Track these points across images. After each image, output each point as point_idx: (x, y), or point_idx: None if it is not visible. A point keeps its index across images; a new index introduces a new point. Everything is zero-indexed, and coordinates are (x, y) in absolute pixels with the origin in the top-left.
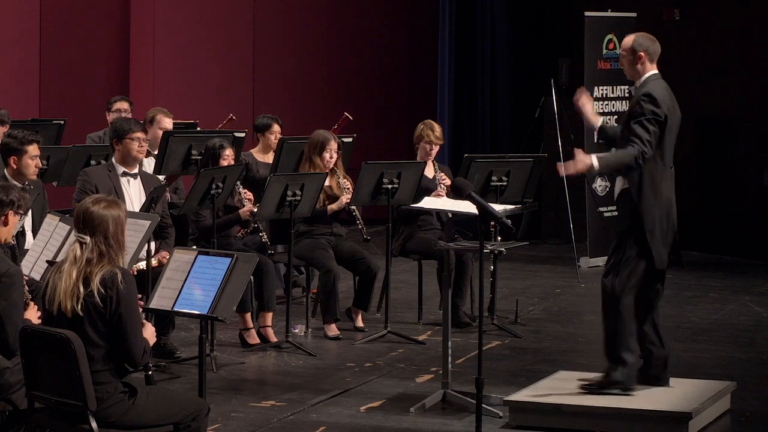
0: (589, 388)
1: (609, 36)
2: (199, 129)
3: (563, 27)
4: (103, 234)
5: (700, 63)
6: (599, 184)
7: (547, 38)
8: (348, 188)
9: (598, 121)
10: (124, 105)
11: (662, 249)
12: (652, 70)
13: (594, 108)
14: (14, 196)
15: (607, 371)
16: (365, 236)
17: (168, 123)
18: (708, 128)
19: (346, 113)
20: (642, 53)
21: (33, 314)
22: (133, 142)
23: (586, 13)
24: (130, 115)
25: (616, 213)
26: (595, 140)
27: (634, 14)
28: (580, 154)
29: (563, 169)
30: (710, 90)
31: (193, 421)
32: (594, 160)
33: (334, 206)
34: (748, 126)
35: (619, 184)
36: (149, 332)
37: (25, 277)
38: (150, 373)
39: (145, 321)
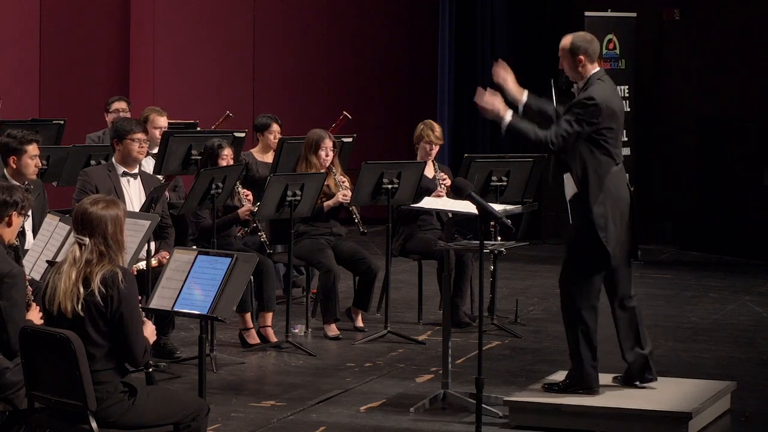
0: (552, 389)
1: (609, 36)
2: (199, 129)
3: (563, 27)
4: (102, 235)
5: (700, 63)
6: None
7: (547, 38)
8: (346, 186)
9: (524, 95)
10: (122, 105)
11: (617, 246)
12: (594, 70)
13: (515, 81)
14: (18, 197)
15: (569, 372)
16: (362, 230)
17: (162, 122)
18: (708, 128)
19: (344, 112)
20: (581, 56)
21: (35, 315)
22: (133, 143)
23: (586, 13)
24: (128, 115)
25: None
26: (504, 125)
27: (634, 14)
28: (497, 100)
29: (479, 98)
30: (710, 90)
31: (193, 421)
32: (508, 114)
33: (329, 202)
34: (748, 126)
35: (568, 190)
36: (149, 330)
37: (27, 278)
38: (150, 371)
39: (145, 319)
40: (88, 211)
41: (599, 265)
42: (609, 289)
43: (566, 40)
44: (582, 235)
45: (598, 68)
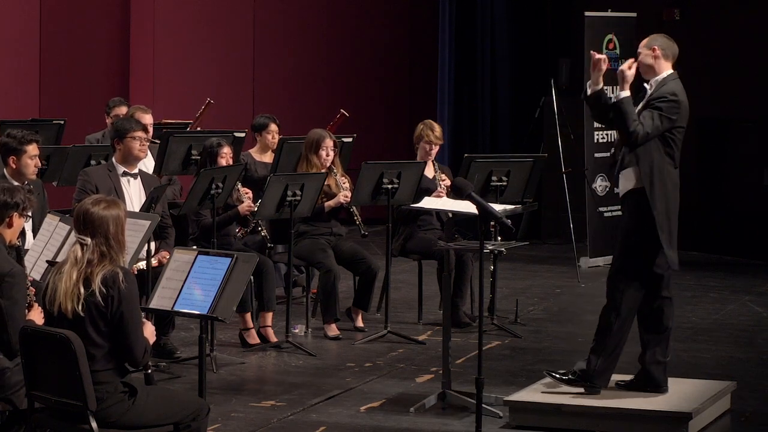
0: (557, 377)
1: (609, 36)
2: (199, 129)
3: (563, 27)
4: (103, 235)
5: (700, 63)
6: (599, 184)
7: (547, 38)
8: (346, 186)
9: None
10: (122, 110)
11: (672, 251)
12: (669, 70)
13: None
14: (19, 198)
15: (581, 363)
16: (363, 232)
17: (147, 119)
18: (708, 128)
19: (342, 110)
20: (656, 47)
21: (36, 315)
22: (134, 141)
23: (586, 13)
24: None
25: (617, 213)
26: (619, 97)
27: (634, 14)
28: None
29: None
30: (710, 90)
31: (193, 421)
32: (626, 92)
33: (331, 203)
34: (748, 126)
35: (624, 183)
36: (149, 331)
37: (29, 278)
38: (150, 372)
39: (144, 320)
40: (89, 211)
41: (655, 264)
42: (649, 289)
43: (646, 38)
44: (638, 234)
45: (673, 71)
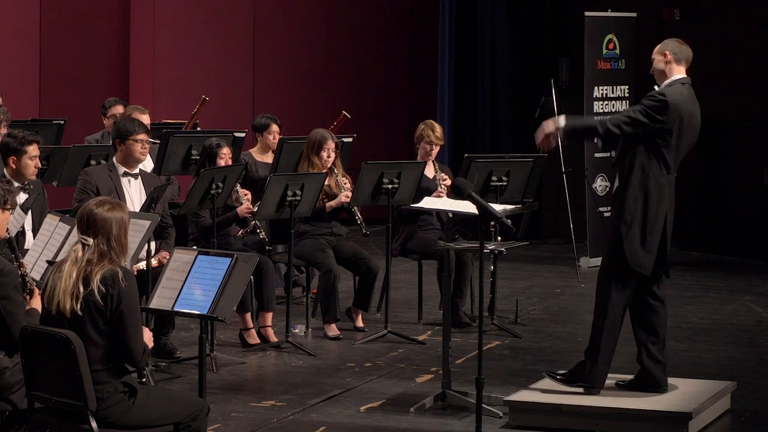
0: (558, 378)
1: (609, 36)
2: (199, 129)
3: (563, 27)
4: (106, 236)
5: (699, 63)
6: (599, 184)
7: (547, 38)
8: (347, 187)
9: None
10: (119, 109)
11: (640, 250)
12: (680, 74)
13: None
14: None
15: (579, 364)
16: (364, 231)
17: (144, 119)
18: (708, 128)
19: (344, 111)
20: (668, 51)
21: (39, 302)
22: (136, 144)
23: (586, 13)
24: None
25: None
26: (561, 127)
27: (634, 14)
28: (546, 123)
29: (538, 138)
30: (710, 90)
31: (193, 421)
32: (561, 119)
33: (332, 203)
34: (748, 126)
35: (614, 182)
36: (147, 336)
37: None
38: (144, 381)
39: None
40: (93, 212)
41: (626, 264)
42: (639, 290)
43: (659, 44)
44: (613, 231)
45: (684, 75)
